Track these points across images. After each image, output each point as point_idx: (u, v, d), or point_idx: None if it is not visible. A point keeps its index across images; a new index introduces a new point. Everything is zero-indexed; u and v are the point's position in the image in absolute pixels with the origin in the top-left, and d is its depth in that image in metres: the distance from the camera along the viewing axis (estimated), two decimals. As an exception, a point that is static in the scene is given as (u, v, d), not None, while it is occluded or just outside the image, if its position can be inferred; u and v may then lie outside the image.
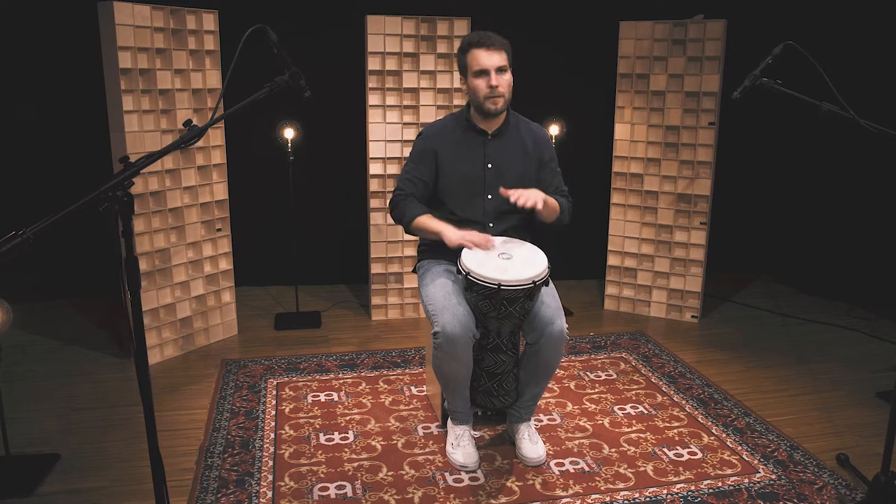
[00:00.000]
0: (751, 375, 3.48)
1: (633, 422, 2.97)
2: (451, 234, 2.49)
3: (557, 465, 2.63)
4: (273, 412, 3.03)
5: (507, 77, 2.55)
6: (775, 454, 2.71)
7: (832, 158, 4.54)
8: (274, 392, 3.22)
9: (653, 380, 3.38)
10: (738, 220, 5.08)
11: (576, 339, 3.90)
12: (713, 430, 2.89)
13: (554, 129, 4.12)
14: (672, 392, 3.25)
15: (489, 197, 2.64)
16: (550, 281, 2.60)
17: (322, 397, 3.19)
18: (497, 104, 2.55)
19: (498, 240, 2.55)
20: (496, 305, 2.38)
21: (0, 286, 3.51)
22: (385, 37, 3.91)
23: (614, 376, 3.42)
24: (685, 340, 3.95)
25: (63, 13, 3.93)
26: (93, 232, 3.89)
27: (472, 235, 2.46)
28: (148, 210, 3.43)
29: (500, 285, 2.30)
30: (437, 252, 2.68)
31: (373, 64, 3.93)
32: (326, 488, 2.48)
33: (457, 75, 4.02)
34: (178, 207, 3.57)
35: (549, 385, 3.30)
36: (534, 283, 2.33)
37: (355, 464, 2.63)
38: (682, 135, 4.08)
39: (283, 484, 2.50)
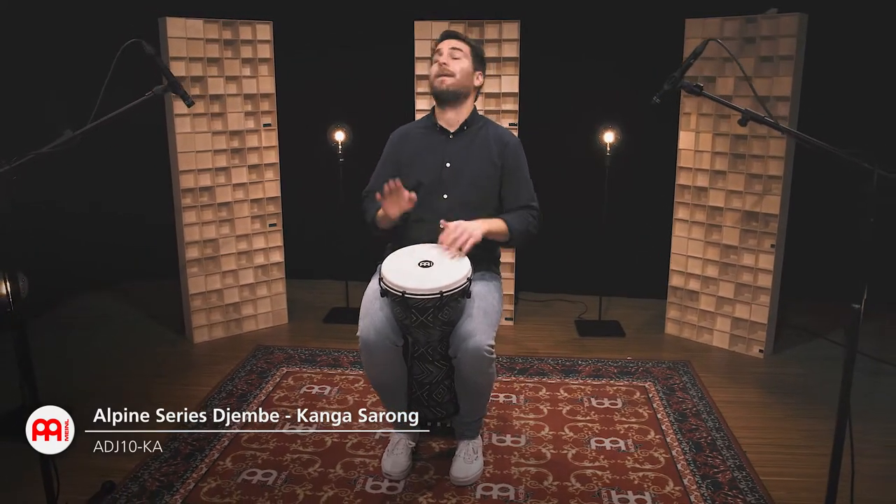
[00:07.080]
0: (785, 425, 2.98)
1: (601, 457, 2.70)
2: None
3: (485, 489, 2.49)
4: (262, 398, 3.22)
5: (463, 64, 2.57)
6: (739, 518, 2.32)
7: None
8: (277, 380, 3.41)
9: (658, 415, 3.04)
10: (840, 243, 4.32)
11: (607, 361, 3.61)
12: (685, 480, 2.54)
13: (609, 137, 3.85)
14: (671, 431, 2.89)
15: (445, 196, 2.59)
16: (496, 296, 2.50)
17: (315, 390, 3.31)
18: (444, 82, 2.56)
19: (426, 247, 2.48)
20: (407, 313, 2.33)
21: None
22: (432, 42, 3.92)
23: (619, 406, 3.13)
24: (735, 377, 3.48)
25: (131, 26, 4.37)
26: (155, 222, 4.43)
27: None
28: (198, 203, 3.81)
29: (403, 293, 2.25)
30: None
31: (420, 69, 3.98)
32: (254, 474, 2.59)
33: (505, 79, 3.93)
34: (229, 202, 3.91)
35: (538, 406, 3.11)
36: (441, 293, 2.24)
37: (296, 456, 2.71)
38: (752, 145, 3.59)
39: (221, 464, 2.66)
